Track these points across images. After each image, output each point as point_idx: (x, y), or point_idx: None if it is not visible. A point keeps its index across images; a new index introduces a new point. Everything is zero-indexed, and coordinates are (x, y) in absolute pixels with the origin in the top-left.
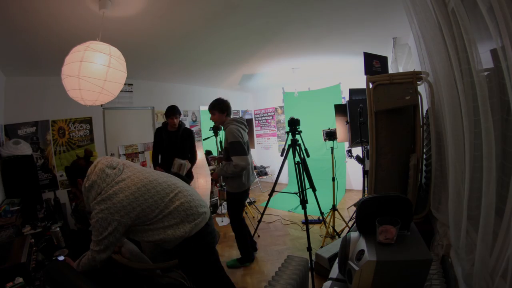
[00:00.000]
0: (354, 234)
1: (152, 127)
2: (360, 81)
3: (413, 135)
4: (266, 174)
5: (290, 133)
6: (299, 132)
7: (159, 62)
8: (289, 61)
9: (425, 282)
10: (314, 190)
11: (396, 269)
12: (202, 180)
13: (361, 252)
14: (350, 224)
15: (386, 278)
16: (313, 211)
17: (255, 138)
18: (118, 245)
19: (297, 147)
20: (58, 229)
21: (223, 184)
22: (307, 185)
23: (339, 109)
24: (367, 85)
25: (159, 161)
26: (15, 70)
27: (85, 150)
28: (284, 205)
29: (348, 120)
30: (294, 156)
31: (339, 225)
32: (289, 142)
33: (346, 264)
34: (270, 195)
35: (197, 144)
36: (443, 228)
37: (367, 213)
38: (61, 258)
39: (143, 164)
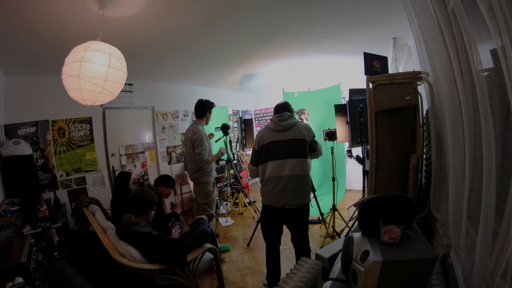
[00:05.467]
0: (357, 235)
1: (152, 127)
2: (360, 81)
3: (413, 135)
4: None
5: None
6: None
7: (159, 62)
8: (289, 61)
9: (429, 281)
10: (313, 191)
11: (401, 268)
12: None
13: (366, 252)
14: (350, 224)
15: (391, 278)
16: (312, 211)
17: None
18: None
19: None
20: (54, 230)
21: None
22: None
23: (339, 109)
24: (367, 85)
25: None
26: (15, 70)
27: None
28: None
29: (348, 120)
30: None
31: (339, 225)
32: None
33: (350, 265)
34: None
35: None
36: (443, 228)
37: (370, 213)
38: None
39: (143, 164)
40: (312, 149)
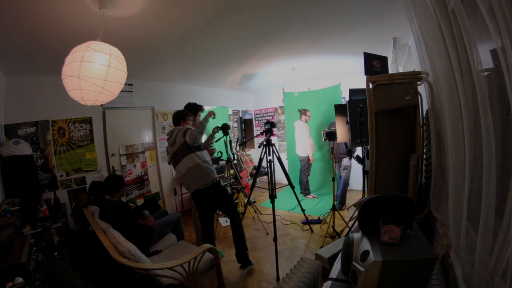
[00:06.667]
0: (357, 235)
1: (152, 127)
2: (360, 81)
3: (413, 135)
4: (266, 174)
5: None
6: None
7: (159, 62)
8: (289, 61)
9: (429, 281)
10: (292, 187)
11: (401, 268)
12: None
13: (366, 252)
14: (350, 224)
15: (391, 278)
16: (312, 211)
17: (255, 138)
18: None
19: (272, 147)
20: (54, 230)
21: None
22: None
23: (339, 109)
24: (367, 85)
25: None
26: (15, 70)
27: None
28: (284, 205)
29: (348, 120)
30: (269, 154)
31: (339, 225)
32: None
33: (350, 265)
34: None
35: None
36: (443, 228)
37: (370, 213)
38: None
39: (143, 164)
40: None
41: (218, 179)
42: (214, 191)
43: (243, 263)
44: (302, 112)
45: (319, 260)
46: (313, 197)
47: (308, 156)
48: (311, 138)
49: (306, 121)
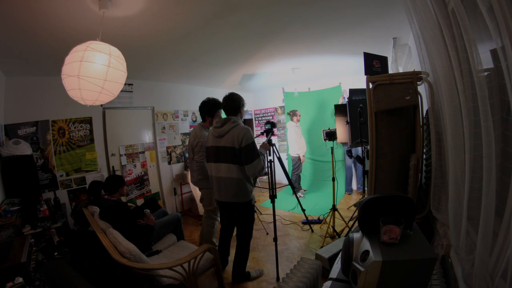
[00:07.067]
0: (357, 235)
1: (152, 127)
2: (360, 81)
3: (413, 135)
4: (266, 174)
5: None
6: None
7: (159, 62)
8: (289, 61)
9: (429, 281)
10: (293, 188)
11: (401, 268)
12: None
13: (366, 252)
14: (350, 224)
15: (391, 278)
16: (312, 211)
17: (255, 139)
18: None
19: (272, 147)
20: (54, 230)
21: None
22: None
23: (339, 109)
24: (367, 85)
25: None
26: (15, 70)
27: None
28: (284, 205)
29: (348, 120)
30: (269, 154)
31: (339, 225)
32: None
33: (350, 265)
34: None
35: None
36: (443, 228)
37: (370, 213)
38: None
39: (143, 164)
40: (245, 159)
41: (253, 202)
42: (237, 208)
43: (239, 278)
44: (292, 114)
45: (319, 260)
46: (300, 196)
47: (299, 156)
48: (303, 138)
49: (298, 121)
